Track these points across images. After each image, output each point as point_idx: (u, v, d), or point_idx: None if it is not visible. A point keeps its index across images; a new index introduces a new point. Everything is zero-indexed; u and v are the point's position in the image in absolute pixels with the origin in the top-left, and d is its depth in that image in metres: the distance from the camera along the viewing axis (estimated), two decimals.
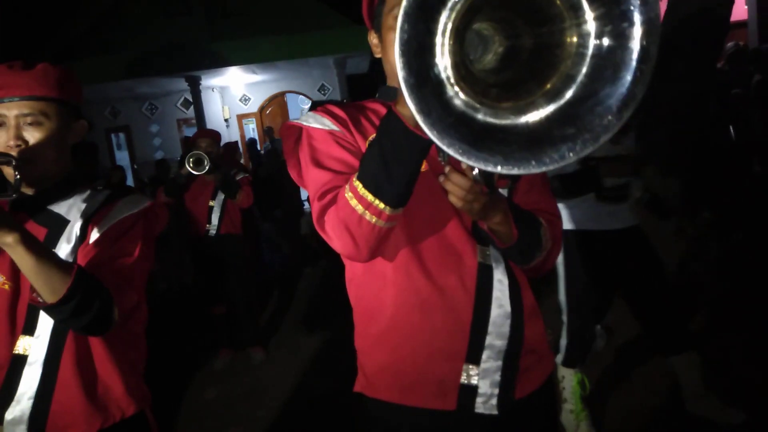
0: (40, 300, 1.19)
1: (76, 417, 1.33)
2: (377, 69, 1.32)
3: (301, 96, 12.22)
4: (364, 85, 11.20)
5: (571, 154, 0.78)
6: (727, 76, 6.29)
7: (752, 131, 5.41)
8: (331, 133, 1.21)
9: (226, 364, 4.26)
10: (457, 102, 0.79)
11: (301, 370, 3.98)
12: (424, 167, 1.20)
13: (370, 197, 1.03)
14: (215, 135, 4.24)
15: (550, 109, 0.80)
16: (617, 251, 2.59)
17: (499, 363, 1.23)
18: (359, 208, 1.04)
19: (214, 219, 4.12)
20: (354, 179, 1.05)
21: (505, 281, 1.24)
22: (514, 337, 1.24)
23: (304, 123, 1.24)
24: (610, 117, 0.76)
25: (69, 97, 1.39)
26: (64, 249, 1.33)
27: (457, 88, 0.79)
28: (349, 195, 1.06)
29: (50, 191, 1.38)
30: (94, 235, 1.33)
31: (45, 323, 1.31)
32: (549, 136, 0.79)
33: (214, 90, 11.82)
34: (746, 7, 9.87)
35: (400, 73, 0.77)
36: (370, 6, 1.26)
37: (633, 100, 0.76)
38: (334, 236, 1.09)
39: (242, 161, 10.52)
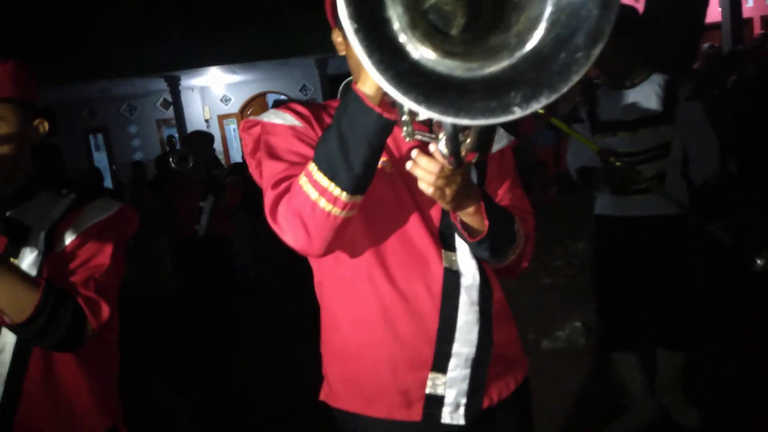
0: (7, 320, 1.12)
1: None
2: None
3: (282, 96, 12.16)
4: None
5: (542, 100, 0.72)
6: (702, 76, 6.42)
7: (728, 131, 5.53)
8: (291, 128, 1.15)
9: (207, 368, 4.19)
10: (410, 49, 0.73)
11: (284, 373, 3.94)
12: (389, 169, 1.17)
13: (325, 182, 0.96)
14: (209, 136, 4.58)
15: (515, 56, 0.74)
16: (641, 238, 2.51)
17: (467, 371, 1.19)
18: (314, 193, 0.97)
19: (203, 220, 4.15)
20: (309, 163, 0.99)
21: (474, 287, 1.19)
22: (482, 343, 1.20)
23: (264, 119, 1.18)
24: (579, 54, 0.72)
25: (26, 96, 1.28)
26: (27, 260, 1.22)
27: (411, 34, 0.73)
28: (303, 180, 0.99)
29: (8, 197, 1.27)
30: (61, 244, 1.24)
31: (7, 337, 1.22)
32: (515, 83, 0.73)
33: (194, 90, 11.70)
34: (720, 9, 10.06)
35: (343, 13, 0.68)
36: (333, 3, 1.21)
37: (601, 36, 0.72)
38: (285, 227, 1.02)
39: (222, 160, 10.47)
